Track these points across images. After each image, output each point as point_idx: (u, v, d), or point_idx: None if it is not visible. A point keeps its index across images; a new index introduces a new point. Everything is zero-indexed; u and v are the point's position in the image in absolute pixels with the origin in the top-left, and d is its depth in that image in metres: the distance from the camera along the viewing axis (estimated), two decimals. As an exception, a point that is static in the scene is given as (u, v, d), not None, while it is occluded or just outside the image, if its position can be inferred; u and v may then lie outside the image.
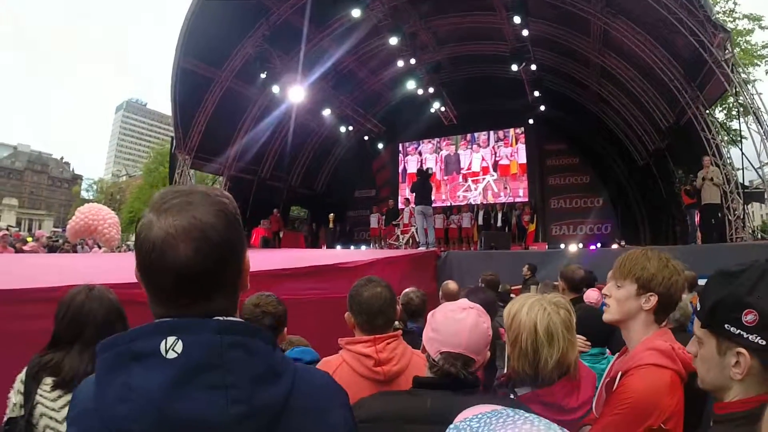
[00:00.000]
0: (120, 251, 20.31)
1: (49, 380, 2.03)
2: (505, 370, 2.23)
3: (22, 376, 2.10)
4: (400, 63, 18.95)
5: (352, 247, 21.31)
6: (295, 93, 19.31)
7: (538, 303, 1.98)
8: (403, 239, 15.80)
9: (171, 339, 0.93)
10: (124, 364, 0.93)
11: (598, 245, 16.15)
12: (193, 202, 1.00)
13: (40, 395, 2.01)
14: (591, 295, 4.73)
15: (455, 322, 1.77)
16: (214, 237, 0.98)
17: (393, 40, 17.35)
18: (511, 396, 2.00)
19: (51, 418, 1.97)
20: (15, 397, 2.06)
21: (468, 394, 1.71)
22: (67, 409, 1.97)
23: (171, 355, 0.92)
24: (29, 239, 20.38)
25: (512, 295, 7.69)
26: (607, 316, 2.15)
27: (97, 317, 2.14)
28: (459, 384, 1.72)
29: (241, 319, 1.05)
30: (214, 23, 17.18)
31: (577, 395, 1.99)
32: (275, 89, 18.66)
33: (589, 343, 3.11)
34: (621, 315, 2.09)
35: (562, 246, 17.97)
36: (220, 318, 1.00)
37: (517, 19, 15.61)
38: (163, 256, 0.96)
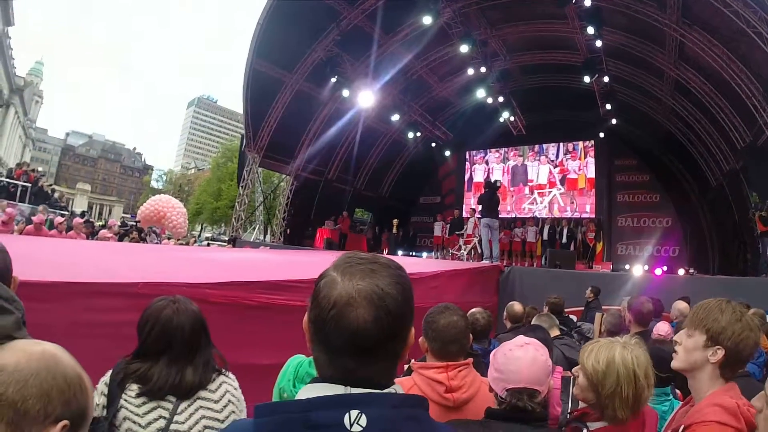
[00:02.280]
0: (187, 242, 20.93)
1: (134, 387, 2.09)
2: (570, 405, 2.27)
3: (106, 379, 2.17)
4: (470, 71, 18.83)
5: (413, 253, 21.31)
6: (365, 97, 19.52)
7: (627, 347, 2.04)
8: (465, 249, 15.68)
9: (354, 413, 0.96)
10: None
11: (664, 268, 15.61)
12: (377, 271, 1.05)
13: (125, 399, 2.07)
14: (661, 328, 4.53)
15: (515, 360, 1.90)
16: (393, 307, 1.01)
17: (463, 48, 17.25)
18: (584, 430, 2.04)
19: (134, 422, 2.03)
20: (98, 398, 2.12)
21: (538, 427, 1.81)
22: (150, 415, 2.06)
23: (356, 428, 0.95)
24: (99, 223, 21.17)
25: (572, 317, 7.57)
26: (674, 364, 2.12)
27: (185, 331, 2.19)
28: (529, 417, 1.81)
29: (405, 392, 1.09)
30: (285, 27, 17.61)
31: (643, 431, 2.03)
32: (345, 93, 18.95)
33: None
34: (687, 365, 2.06)
35: (627, 267, 17.47)
36: (395, 392, 1.04)
37: (590, 30, 15.28)
38: (341, 316, 1.00)
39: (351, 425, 0.95)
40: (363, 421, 0.96)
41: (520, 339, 2.00)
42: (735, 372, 2.00)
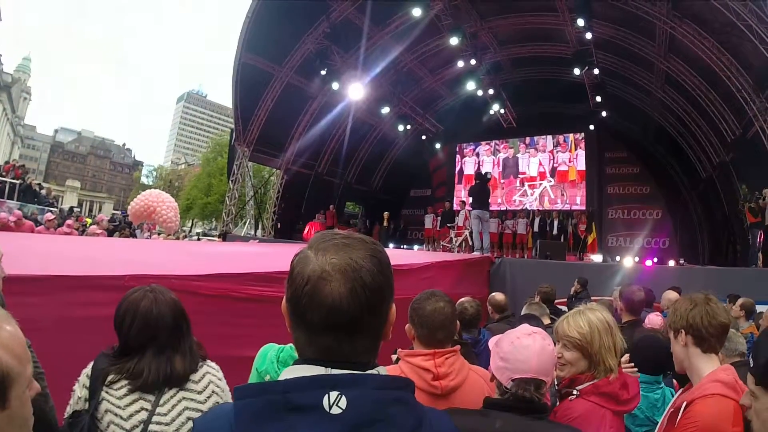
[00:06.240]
0: (178, 237, 20.85)
1: (124, 383, 2.05)
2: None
3: (87, 371, 2.13)
4: (460, 63, 18.79)
5: (405, 246, 21.31)
6: (354, 90, 19.50)
7: (592, 310, 2.30)
8: (456, 241, 15.69)
9: (334, 394, 0.94)
10: (278, 415, 0.94)
11: (654, 260, 15.66)
12: (351, 245, 1.03)
13: (106, 392, 2.04)
14: (654, 320, 4.56)
15: (523, 349, 1.85)
16: (368, 280, 0.99)
17: (453, 40, 17.19)
18: (574, 393, 2.15)
19: (116, 414, 2.00)
20: (80, 391, 2.10)
21: (536, 419, 1.77)
22: (132, 407, 2.03)
23: (335, 410, 0.93)
24: (88, 220, 21.09)
25: (564, 309, 7.61)
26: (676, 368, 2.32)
27: (167, 321, 2.15)
28: (528, 407, 1.78)
29: (390, 374, 1.06)
30: (274, 20, 17.57)
31: (627, 390, 2.15)
32: (335, 86, 18.88)
33: (636, 371, 3.08)
34: (677, 365, 2.27)
35: (617, 258, 17.53)
36: (377, 373, 1.02)
37: (580, 22, 15.25)
38: (316, 291, 0.98)
39: (330, 407, 0.93)
40: (343, 402, 0.93)
41: (527, 328, 1.98)
42: (715, 340, 2.16)
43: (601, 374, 2.14)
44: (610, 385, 2.09)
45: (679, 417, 2.03)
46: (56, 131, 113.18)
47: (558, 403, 2.21)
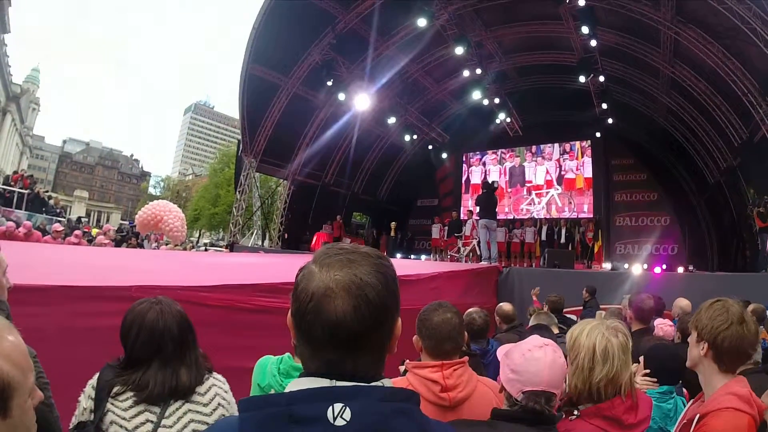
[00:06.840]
0: (185, 247, 20.87)
1: (129, 395, 2.04)
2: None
3: (93, 382, 2.13)
4: (466, 72, 18.90)
5: (412, 256, 21.26)
6: (361, 100, 19.54)
7: (597, 328, 2.07)
8: (464, 251, 15.64)
9: (338, 406, 0.93)
10: (283, 428, 0.93)
11: (663, 267, 15.54)
12: (355, 261, 1.02)
13: (112, 403, 2.03)
14: (667, 331, 4.40)
15: (534, 361, 1.82)
16: (373, 296, 0.99)
17: (458, 50, 17.24)
18: (575, 412, 2.02)
19: (121, 426, 2.00)
20: (85, 402, 2.09)
21: (545, 430, 1.76)
22: (137, 419, 2.01)
23: (339, 422, 0.92)
24: (95, 231, 21.17)
25: (572, 317, 7.56)
26: (687, 363, 2.27)
27: (173, 332, 2.15)
28: (537, 419, 1.76)
29: (396, 386, 1.05)
30: (281, 31, 17.69)
31: (635, 413, 2.00)
32: (341, 96, 18.95)
33: (656, 383, 3.01)
34: (690, 362, 2.24)
35: (626, 266, 17.45)
36: (382, 385, 1.01)
37: (585, 29, 15.28)
38: (319, 308, 0.98)
39: (334, 419, 0.92)
40: (347, 414, 0.93)
41: (538, 339, 1.95)
42: (734, 365, 2.11)
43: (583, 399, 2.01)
44: (613, 408, 1.98)
45: (691, 430, 2.01)
46: (65, 142, 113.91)
47: (563, 417, 2.16)
